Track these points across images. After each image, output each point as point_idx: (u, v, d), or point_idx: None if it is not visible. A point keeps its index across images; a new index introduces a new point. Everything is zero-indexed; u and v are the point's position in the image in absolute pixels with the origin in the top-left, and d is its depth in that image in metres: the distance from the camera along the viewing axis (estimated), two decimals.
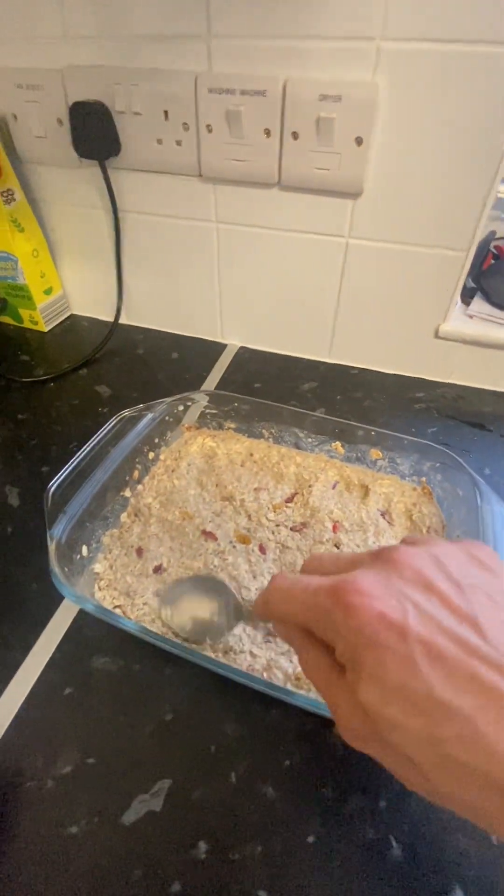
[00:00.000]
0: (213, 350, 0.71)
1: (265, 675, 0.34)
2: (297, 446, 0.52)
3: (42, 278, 0.70)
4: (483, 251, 0.62)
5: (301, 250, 0.59)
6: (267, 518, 0.45)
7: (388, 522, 0.44)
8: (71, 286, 0.75)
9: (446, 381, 0.65)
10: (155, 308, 0.73)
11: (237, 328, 0.71)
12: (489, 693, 0.16)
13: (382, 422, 0.59)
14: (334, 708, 0.20)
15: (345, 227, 0.55)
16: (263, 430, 0.53)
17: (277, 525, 0.44)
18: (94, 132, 0.55)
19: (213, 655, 0.35)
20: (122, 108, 0.53)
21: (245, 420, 0.53)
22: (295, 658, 0.35)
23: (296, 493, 0.47)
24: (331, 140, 0.48)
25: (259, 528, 0.44)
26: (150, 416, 0.49)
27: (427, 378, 0.65)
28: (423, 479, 0.47)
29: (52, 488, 0.39)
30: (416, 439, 0.47)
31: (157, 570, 0.41)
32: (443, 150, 0.47)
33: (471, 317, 0.60)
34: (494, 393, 0.62)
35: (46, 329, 0.74)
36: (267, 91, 0.48)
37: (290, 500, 0.46)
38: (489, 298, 0.61)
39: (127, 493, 0.47)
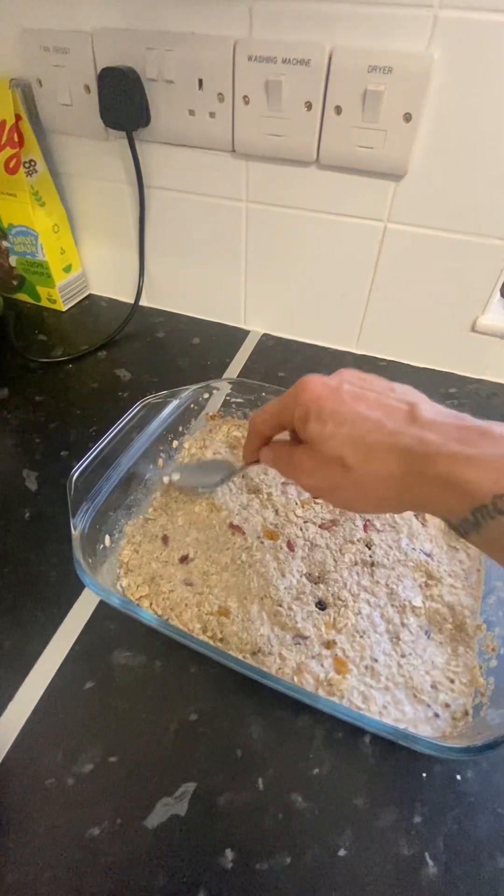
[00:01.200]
0: (235, 336, 0.68)
1: (295, 678, 0.33)
2: None
3: (62, 255, 0.68)
4: None
5: (335, 234, 0.56)
6: (295, 514, 0.43)
7: (422, 523, 0.43)
8: (91, 264, 0.73)
9: (480, 377, 0.62)
10: (177, 291, 0.70)
11: (261, 314, 0.68)
12: (390, 410, 0.25)
13: None
14: (294, 463, 0.28)
15: (384, 211, 0.53)
16: None
17: (306, 522, 0.42)
18: (122, 101, 0.52)
19: (240, 656, 0.33)
20: (153, 76, 0.50)
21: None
22: (326, 661, 0.33)
23: None
24: (377, 116, 0.45)
25: (287, 523, 0.42)
26: (174, 402, 0.47)
27: (459, 373, 0.63)
28: None
29: (75, 475, 0.38)
30: None
31: (184, 559, 0.39)
32: (498, 133, 0.44)
33: None
34: None
35: (65, 308, 0.72)
36: (311, 60, 0.45)
37: (317, 497, 0.44)
38: None
39: (151, 481, 0.45)
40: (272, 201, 0.56)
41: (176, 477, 0.45)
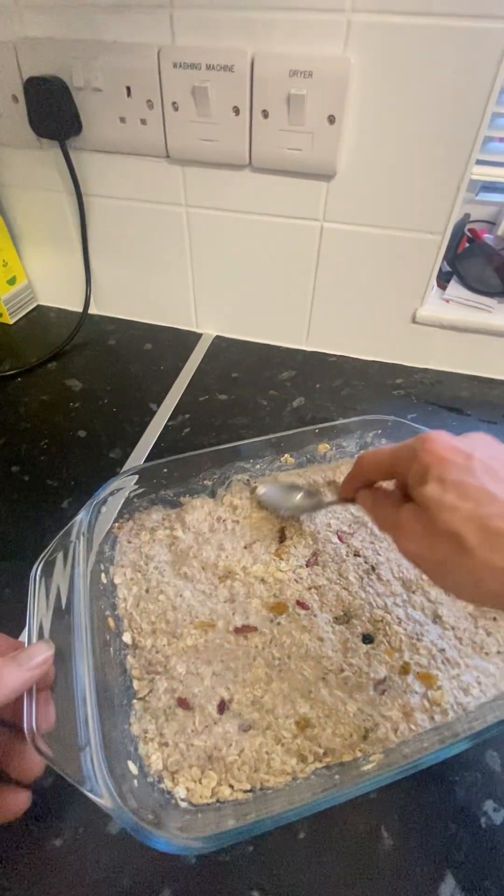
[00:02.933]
0: (188, 340, 0.69)
1: (411, 727, 0.30)
2: (249, 480, 0.45)
3: (4, 267, 0.67)
4: (458, 234, 0.62)
5: (275, 235, 0.57)
6: (280, 570, 0.38)
7: None
8: (36, 275, 0.72)
9: (424, 366, 0.64)
10: (126, 297, 0.70)
11: (212, 317, 0.69)
12: None
13: (362, 409, 0.58)
14: (399, 522, 0.26)
15: (319, 211, 0.54)
16: (205, 482, 0.43)
17: (294, 570, 0.39)
18: (52, 110, 0.51)
19: (357, 753, 0.29)
20: (80, 84, 0.50)
21: (179, 482, 0.43)
22: (416, 685, 0.32)
23: (283, 528, 0.41)
24: (302, 118, 0.46)
25: (282, 585, 0.37)
26: (80, 542, 0.34)
27: (405, 364, 0.65)
28: (372, 448, 0.46)
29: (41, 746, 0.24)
30: (348, 420, 0.46)
31: (222, 707, 0.31)
32: (418, 130, 0.46)
33: (447, 301, 0.60)
34: (472, 377, 0.62)
35: (12, 321, 0.71)
36: (234, 66, 0.45)
37: (283, 538, 0.41)
38: (464, 282, 0.61)
39: (119, 653, 0.34)
40: (211, 205, 0.57)
41: (262, 491, 0.42)
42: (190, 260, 0.63)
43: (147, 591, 0.37)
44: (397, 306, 0.59)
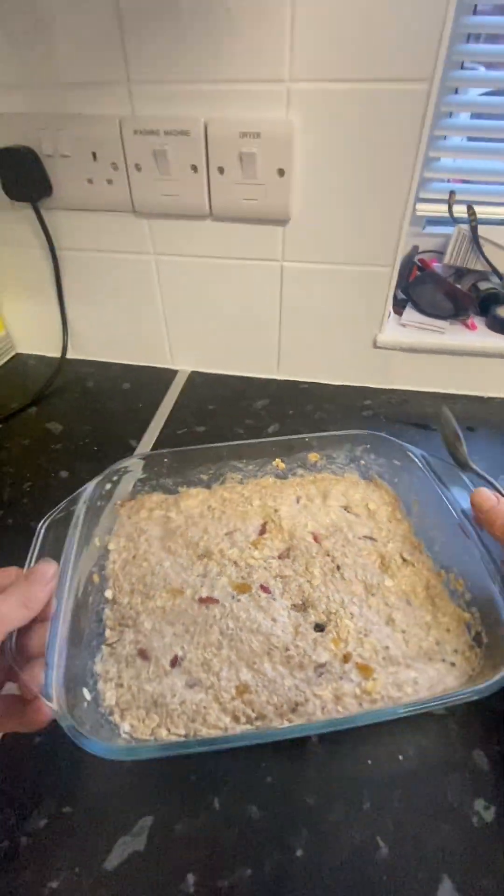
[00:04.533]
0: (164, 377, 0.72)
1: (339, 708, 0.32)
2: (242, 479, 0.50)
3: None
4: (409, 264, 0.67)
5: (239, 275, 0.61)
6: (253, 557, 0.42)
7: (355, 515, 0.46)
8: (14, 325, 0.75)
9: (391, 387, 0.68)
10: (103, 340, 0.73)
11: (187, 353, 0.72)
12: None
13: (334, 430, 0.61)
14: None
15: (278, 252, 0.58)
16: (202, 475, 0.49)
17: (266, 560, 0.42)
18: (23, 176, 0.56)
19: (283, 721, 0.32)
20: (49, 152, 0.55)
21: (178, 472, 0.49)
22: (353, 674, 0.34)
23: (265, 523, 0.45)
24: (254, 173, 0.51)
25: (251, 570, 0.41)
26: (81, 507, 0.41)
27: (372, 386, 0.68)
28: (362, 462, 0.51)
29: (14, 638, 0.29)
30: (340, 432, 0.51)
31: (174, 662, 0.35)
32: (359, 178, 0.51)
33: (404, 326, 0.64)
34: (434, 394, 0.66)
35: None
36: (190, 131, 0.50)
37: (262, 532, 0.44)
38: (418, 307, 0.65)
39: (97, 604, 0.39)
40: (177, 252, 0.61)
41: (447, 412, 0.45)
42: (161, 302, 0.66)
43: (134, 557, 0.43)
44: (359, 333, 0.63)
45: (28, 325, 0.74)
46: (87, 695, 0.33)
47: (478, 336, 0.62)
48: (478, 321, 0.65)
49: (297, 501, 0.48)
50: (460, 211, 0.63)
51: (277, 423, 0.62)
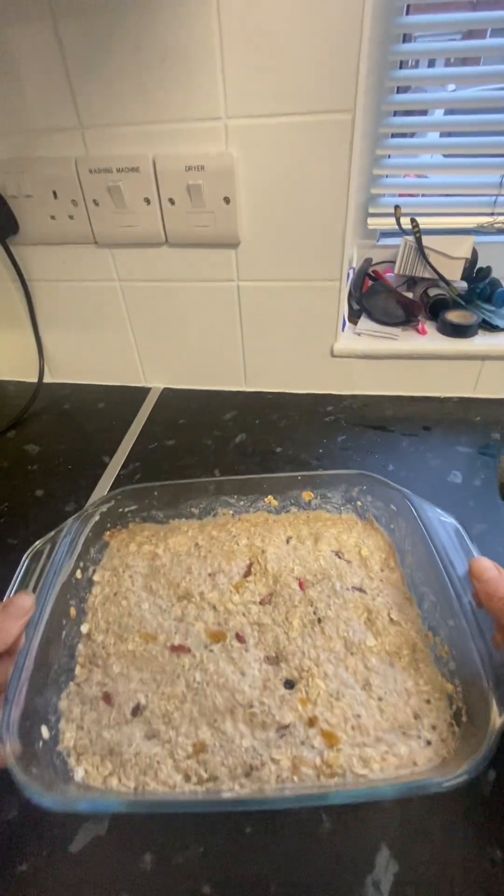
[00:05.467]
0: (138, 395, 0.75)
1: (295, 778, 0.30)
2: (234, 514, 0.49)
3: None
4: (361, 276, 0.70)
5: (200, 296, 0.65)
6: (232, 602, 0.40)
7: (347, 562, 0.43)
8: None
9: (352, 392, 0.71)
10: (77, 363, 0.77)
11: (159, 372, 0.76)
12: None
13: (297, 437, 0.64)
14: None
15: (233, 272, 0.62)
16: (192, 509, 0.49)
17: (246, 605, 0.40)
18: None
19: (234, 785, 0.31)
20: (14, 193, 0.59)
21: (169, 505, 0.48)
22: (316, 741, 0.32)
23: (251, 564, 0.44)
24: (202, 202, 0.55)
25: (229, 616, 0.39)
26: (65, 539, 0.41)
27: (335, 393, 0.72)
28: (359, 503, 0.48)
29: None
30: (338, 471, 0.49)
31: (136, 711, 0.34)
32: (299, 201, 0.55)
33: (359, 334, 0.68)
34: (392, 397, 0.69)
35: None
36: (139, 167, 0.54)
37: (247, 574, 0.43)
38: (371, 316, 0.69)
39: (71, 638, 0.39)
40: (140, 277, 0.65)
41: None
42: (130, 325, 0.70)
43: (115, 594, 0.42)
44: (316, 344, 0.67)
45: (6, 352, 0.78)
46: (45, 733, 0.32)
47: (428, 340, 0.66)
48: (429, 326, 0.68)
49: (288, 542, 0.46)
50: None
51: (244, 433, 0.66)
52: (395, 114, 0.66)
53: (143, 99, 0.51)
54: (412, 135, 0.72)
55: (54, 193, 0.58)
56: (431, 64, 1.05)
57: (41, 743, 0.31)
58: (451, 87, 0.74)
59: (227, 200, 0.55)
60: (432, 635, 0.37)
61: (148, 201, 0.56)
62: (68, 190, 0.57)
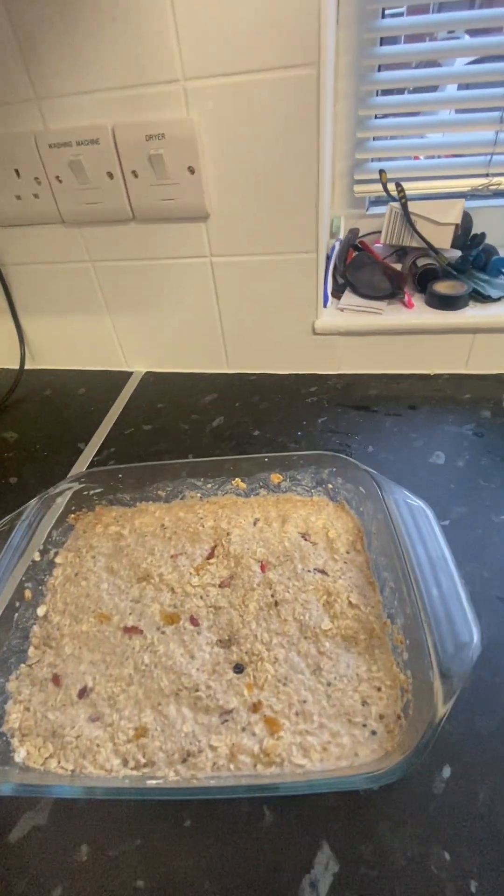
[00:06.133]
0: (119, 379, 0.74)
1: (231, 766, 0.30)
2: (201, 497, 0.48)
3: None
4: (346, 248, 0.67)
5: (174, 274, 0.62)
6: (191, 585, 0.40)
7: (312, 544, 0.42)
8: None
9: (337, 372, 0.68)
10: (59, 349, 0.75)
11: (140, 355, 0.74)
12: None
13: (277, 420, 0.62)
14: None
15: (205, 248, 0.59)
16: (159, 492, 0.48)
17: (204, 588, 0.40)
18: None
19: (171, 772, 0.30)
20: None
21: (135, 488, 0.48)
22: (258, 727, 0.31)
23: (215, 546, 0.43)
24: (165, 173, 0.52)
25: (186, 598, 0.39)
26: (23, 523, 0.41)
27: (319, 372, 0.69)
28: (329, 486, 0.46)
29: None
30: (306, 452, 0.47)
31: (83, 693, 0.34)
32: (267, 168, 0.52)
33: (342, 310, 0.64)
34: (378, 375, 0.66)
35: None
36: (99, 139, 0.52)
37: (210, 556, 0.42)
38: (356, 290, 0.65)
39: (24, 618, 0.39)
40: (111, 257, 0.63)
41: None
42: (106, 307, 0.68)
43: (76, 574, 0.42)
44: (296, 322, 0.64)
45: None
46: None
47: (415, 314, 0.62)
48: (417, 299, 0.64)
49: (255, 524, 0.45)
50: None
51: (222, 417, 0.64)
52: (380, 69, 0.61)
53: (97, 65, 0.48)
54: (401, 92, 0.67)
55: (17, 172, 0.56)
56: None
57: None
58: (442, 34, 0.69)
59: (191, 170, 0.52)
60: (390, 623, 0.36)
61: (111, 175, 0.54)
62: (30, 167, 0.55)
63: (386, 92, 0.63)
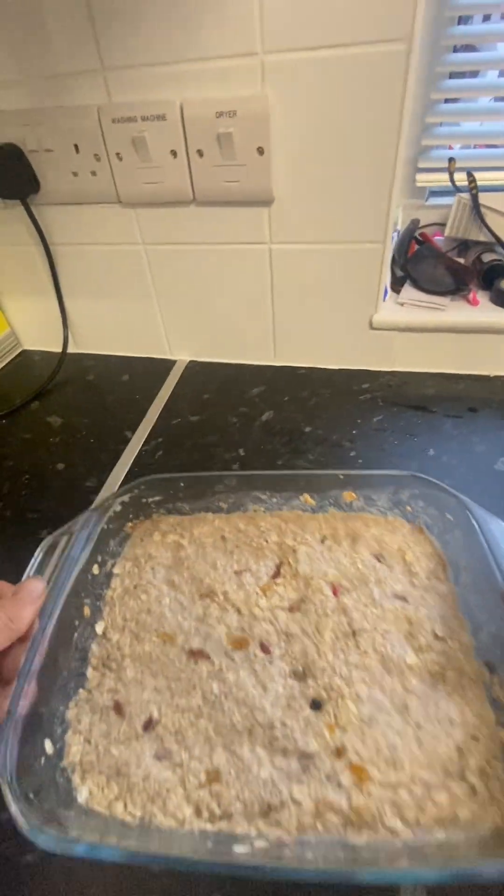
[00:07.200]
0: (162, 367, 0.72)
1: (319, 826, 0.26)
2: (265, 511, 0.45)
3: None
4: (407, 239, 0.64)
5: (229, 261, 0.60)
6: (259, 606, 0.37)
7: (388, 567, 0.39)
8: (18, 323, 0.77)
9: (391, 369, 0.66)
10: (102, 333, 0.74)
11: (184, 343, 0.72)
12: None
13: (329, 416, 0.60)
14: None
15: (265, 234, 0.57)
16: (220, 504, 0.45)
17: (273, 611, 0.37)
18: (10, 173, 0.56)
19: (251, 829, 0.26)
20: (34, 147, 0.55)
21: (196, 498, 0.45)
22: (343, 777, 0.28)
23: (280, 564, 0.40)
24: (233, 153, 0.50)
25: (254, 621, 0.36)
26: (83, 534, 0.38)
27: (372, 369, 0.66)
28: (408, 508, 0.42)
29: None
30: (385, 472, 0.44)
31: (148, 725, 0.31)
32: (341, 151, 0.49)
33: (402, 304, 0.62)
34: (435, 374, 0.63)
35: None
36: (166, 114, 0.49)
37: (276, 574, 0.39)
38: (417, 284, 0.63)
39: (84, 640, 0.36)
40: (165, 240, 0.60)
41: None
42: (154, 292, 0.66)
43: (136, 586, 0.40)
44: (353, 314, 0.61)
45: (32, 322, 0.76)
46: (48, 747, 0.29)
47: (480, 311, 0.59)
48: (482, 296, 0.61)
49: (322, 542, 0.41)
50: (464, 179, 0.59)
51: (272, 411, 0.62)
52: (455, 49, 0.58)
53: (169, 32, 0.45)
54: (475, 75, 0.63)
55: (76, 147, 0.54)
56: None
57: (43, 760, 0.28)
58: None
59: (260, 151, 0.49)
60: (488, 672, 0.32)
61: (174, 154, 0.52)
62: (90, 143, 0.53)
63: (456, 75, 0.60)
